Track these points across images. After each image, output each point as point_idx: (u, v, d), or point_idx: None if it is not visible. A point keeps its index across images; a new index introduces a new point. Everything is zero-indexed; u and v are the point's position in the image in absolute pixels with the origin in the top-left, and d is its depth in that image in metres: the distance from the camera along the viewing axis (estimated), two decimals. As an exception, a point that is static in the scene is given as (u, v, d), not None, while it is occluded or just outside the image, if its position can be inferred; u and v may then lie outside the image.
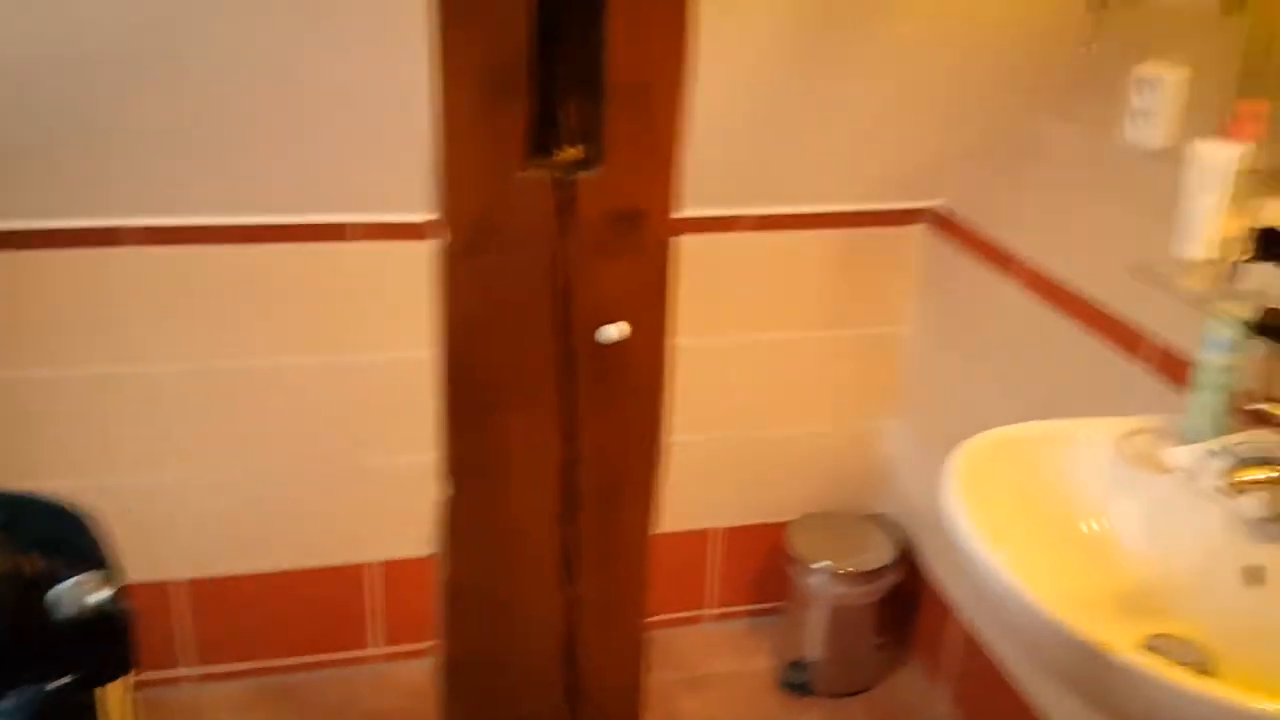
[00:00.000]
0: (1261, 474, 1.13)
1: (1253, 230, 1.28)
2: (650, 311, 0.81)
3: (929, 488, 2.22)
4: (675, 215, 0.80)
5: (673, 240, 0.81)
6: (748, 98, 1.83)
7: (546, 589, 0.90)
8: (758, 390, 2.31)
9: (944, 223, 2.16)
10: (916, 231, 2.23)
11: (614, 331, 0.82)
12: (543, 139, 0.75)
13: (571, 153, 0.76)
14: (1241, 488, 1.14)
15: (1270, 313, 1.19)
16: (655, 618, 2.46)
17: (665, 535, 2.39)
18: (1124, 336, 1.64)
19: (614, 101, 0.75)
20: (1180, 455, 1.32)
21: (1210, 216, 1.28)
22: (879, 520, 2.42)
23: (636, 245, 0.79)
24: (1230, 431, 1.33)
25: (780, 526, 2.37)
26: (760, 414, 2.34)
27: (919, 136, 2.00)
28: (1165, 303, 1.53)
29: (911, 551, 2.32)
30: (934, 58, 1.79)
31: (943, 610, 2.23)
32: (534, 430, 0.85)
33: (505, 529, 0.87)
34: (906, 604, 2.34)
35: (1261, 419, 1.33)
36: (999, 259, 1.97)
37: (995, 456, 1.39)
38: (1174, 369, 1.53)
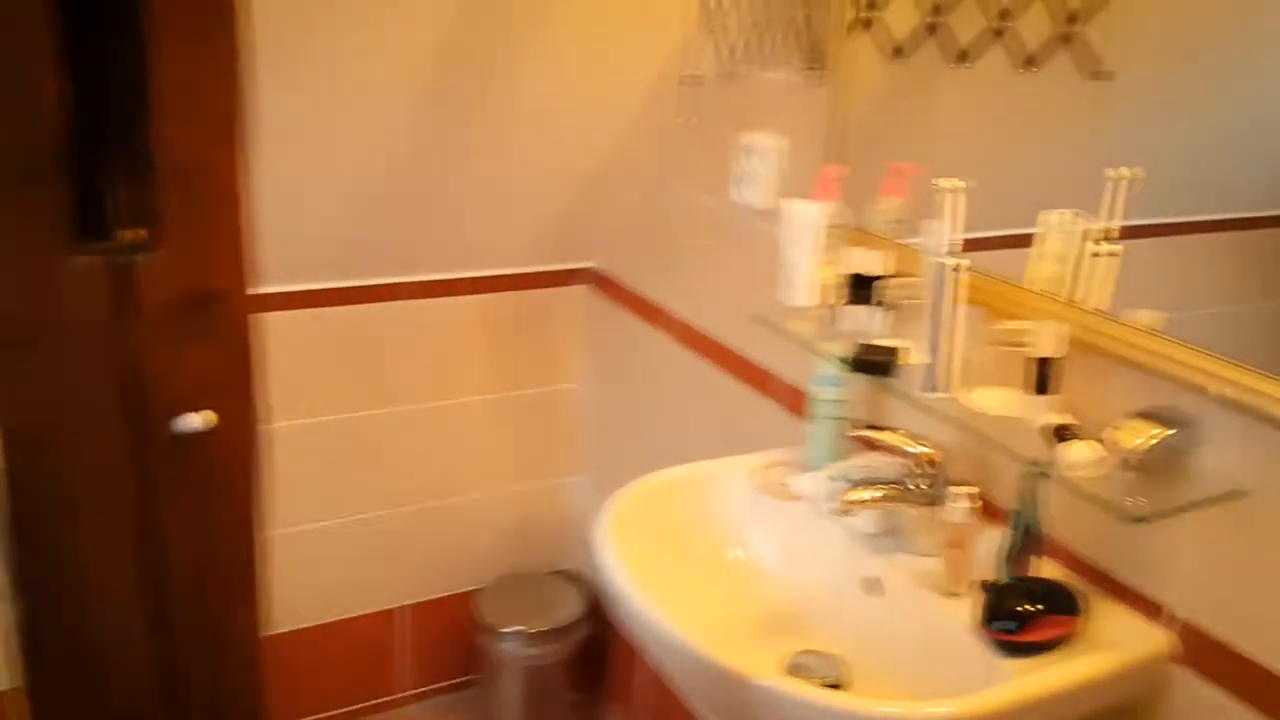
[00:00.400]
0: (866, 494, 1.25)
1: (845, 277, 1.43)
2: (235, 396, 0.78)
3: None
4: (257, 292, 0.79)
5: (255, 319, 0.79)
6: (402, 168, 1.84)
7: (148, 712, 0.83)
8: (435, 459, 2.29)
9: (602, 282, 2.25)
10: (578, 291, 2.31)
11: (195, 421, 0.78)
12: (95, 223, 0.71)
13: (130, 235, 0.73)
14: (851, 508, 1.26)
15: (862, 349, 1.32)
16: (343, 709, 2.38)
17: (346, 621, 2.32)
18: (758, 378, 1.77)
19: (171, 182, 0.73)
20: (803, 483, 1.43)
21: (807, 267, 1.41)
22: (569, 576, 2.45)
23: (214, 328, 0.76)
24: (844, 457, 1.47)
25: (471, 595, 2.35)
26: (440, 483, 2.31)
27: (568, 202, 2.08)
28: (785, 346, 1.67)
29: (600, 603, 2.37)
30: (564, 127, 1.87)
31: (632, 657, 2.29)
32: (111, 538, 0.79)
33: (90, 652, 0.80)
34: (599, 656, 2.38)
35: (869, 444, 1.47)
36: (652, 314, 2.08)
37: (646, 502, 1.45)
38: (799, 404, 1.67)
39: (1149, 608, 1.14)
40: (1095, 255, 1.25)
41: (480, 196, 1.98)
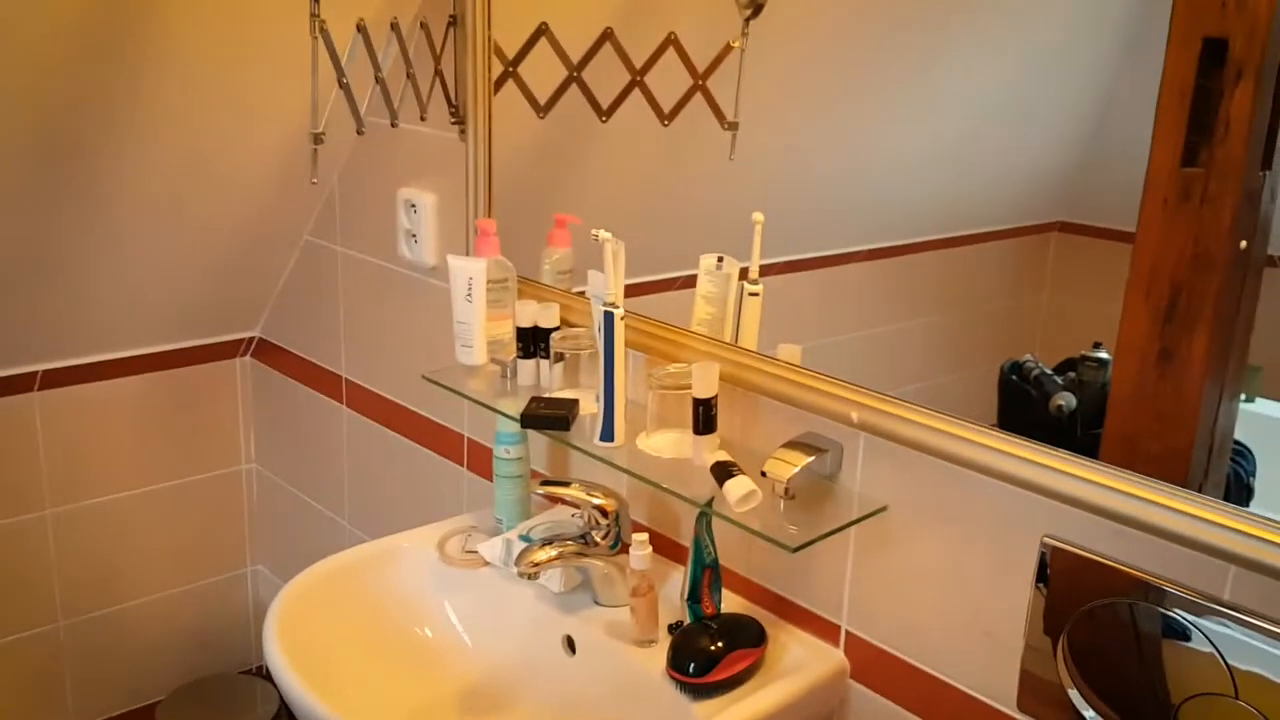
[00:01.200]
0: (543, 555, 1.23)
1: (517, 331, 1.41)
2: None
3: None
4: None
5: None
6: (19, 250, 1.64)
7: None
8: (98, 563, 2.05)
9: (267, 351, 2.11)
10: (241, 364, 2.16)
11: None
12: None
13: None
14: (534, 570, 1.23)
15: (536, 404, 1.31)
16: None
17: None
18: (444, 441, 1.71)
19: None
20: (488, 549, 1.39)
21: (476, 323, 1.38)
22: (259, 675, 2.27)
23: None
24: (532, 515, 1.44)
25: (152, 708, 2.11)
26: (107, 588, 2.07)
27: (216, 271, 1.93)
28: (469, 406, 1.63)
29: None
30: (195, 194, 1.74)
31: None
32: None
33: None
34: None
35: (552, 499, 1.46)
36: (324, 381, 1.97)
37: (321, 590, 1.35)
38: (489, 466, 1.63)
39: (823, 627, 1.19)
40: (749, 295, 1.31)
41: (114, 275, 1.80)
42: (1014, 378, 1.11)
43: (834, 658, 1.18)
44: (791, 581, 1.22)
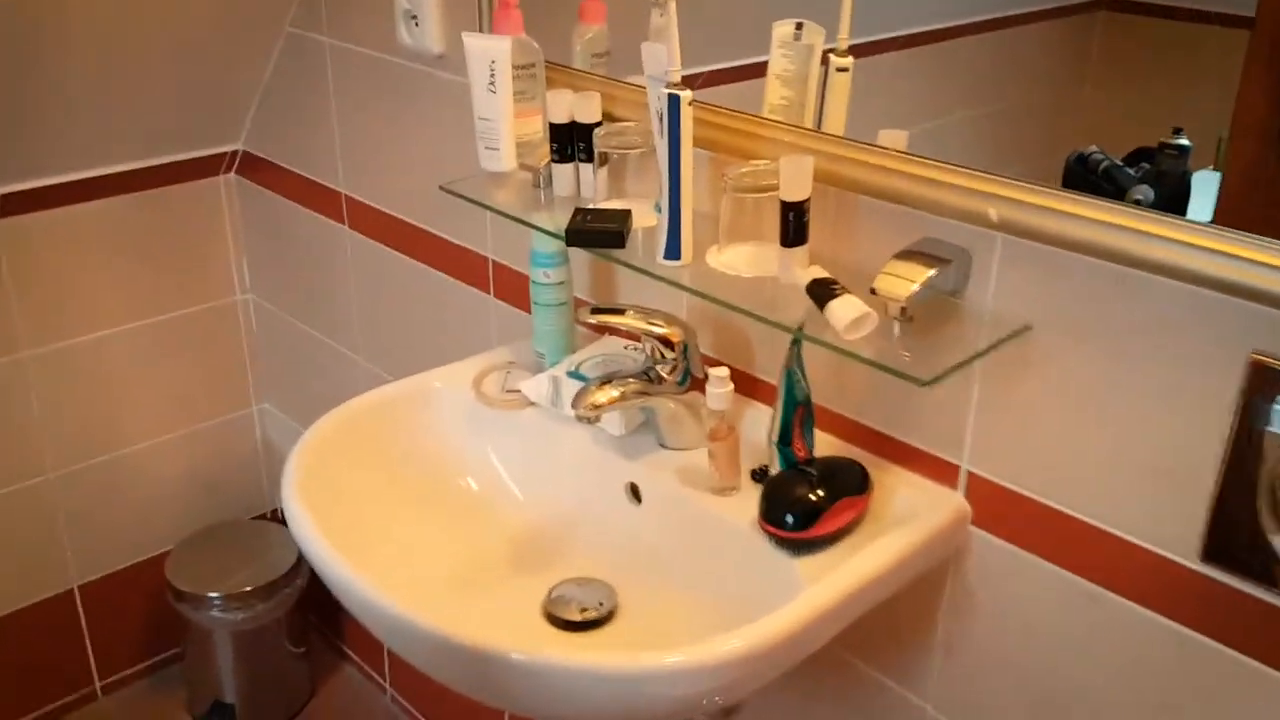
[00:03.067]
0: (606, 394, 1.04)
1: (552, 129, 1.17)
2: None
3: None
4: None
5: None
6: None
7: None
8: (88, 408, 1.87)
9: (254, 166, 1.87)
10: (225, 182, 1.91)
11: None
12: None
13: None
14: (594, 413, 1.04)
15: (582, 217, 1.09)
16: (29, 717, 1.98)
17: (18, 614, 1.90)
18: (467, 266, 1.50)
19: None
20: (533, 387, 1.20)
21: (503, 119, 1.14)
22: (274, 519, 2.13)
23: None
24: (577, 348, 1.25)
25: (162, 559, 1.98)
26: (100, 435, 1.90)
27: (190, 75, 1.67)
28: (494, 223, 1.40)
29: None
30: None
31: (365, 592, 2.02)
32: None
33: None
34: (324, 602, 2.10)
35: (605, 328, 1.26)
36: (322, 200, 1.74)
37: (344, 437, 1.17)
38: (520, 293, 1.42)
39: (939, 468, 1.01)
40: (837, 70, 1.07)
41: (72, 81, 1.54)
42: (1081, 170, 0.91)
43: (952, 501, 1.00)
44: (898, 417, 1.03)
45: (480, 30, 1.29)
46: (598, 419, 1.05)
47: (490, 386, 1.24)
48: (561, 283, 1.22)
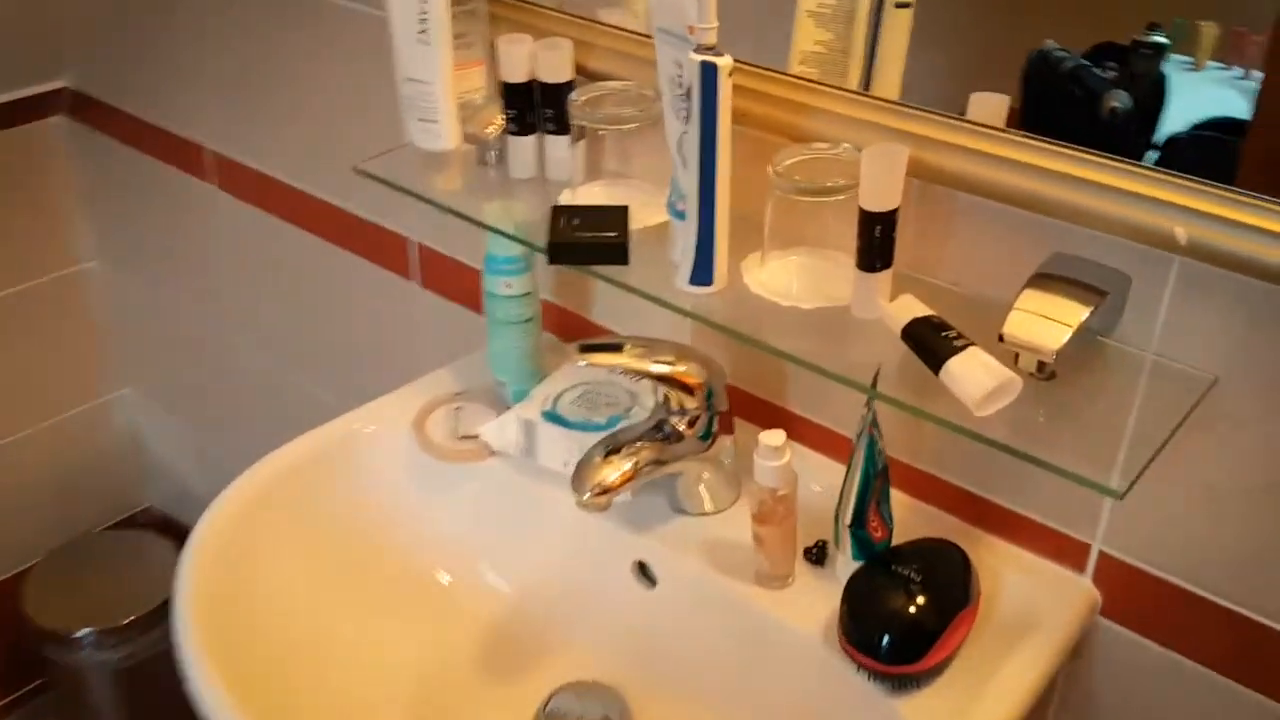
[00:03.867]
0: (614, 473, 0.76)
1: (499, 88, 0.86)
2: None
3: (199, 458, 1.66)
4: None
5: None
6: None
7: None
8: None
9: (90, 109, 1.48)
10: (53, 127, 1.52)
11: None
12: None
13: None
14: (603, 501, 0.77)
15: (559, 219, 0.79)
16: None
17: None
18: (382, 247, 1.18)
19: None
20: (497, 433, 0.92)
21: (439, 81, 0.83)
22: (147, 521, 1.81)
23: None
24: (546, 371, 0.96)
25: (15, 584, 1.64)
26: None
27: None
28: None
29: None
30: None
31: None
32: None
33: None
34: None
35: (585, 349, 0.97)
36: (183, 155, 1.37)
37: (256, 521, 0.87)
38: (456, 282, 1.12)
39: (1059, 544, 0.78)
40: (896, 5, 0.78)
41: None
42: (1045, 72, 0.72)
43: (1080, 589, 0.77)
44: (1000, 478, 0.79)
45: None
46: (608, 506, 0.78)
47: (438, 430, 0.95)
48: (527, 294, 0.93)
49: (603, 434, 0.85)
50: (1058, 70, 0.75)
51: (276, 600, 0.85)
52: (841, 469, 0.76)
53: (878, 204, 0.68)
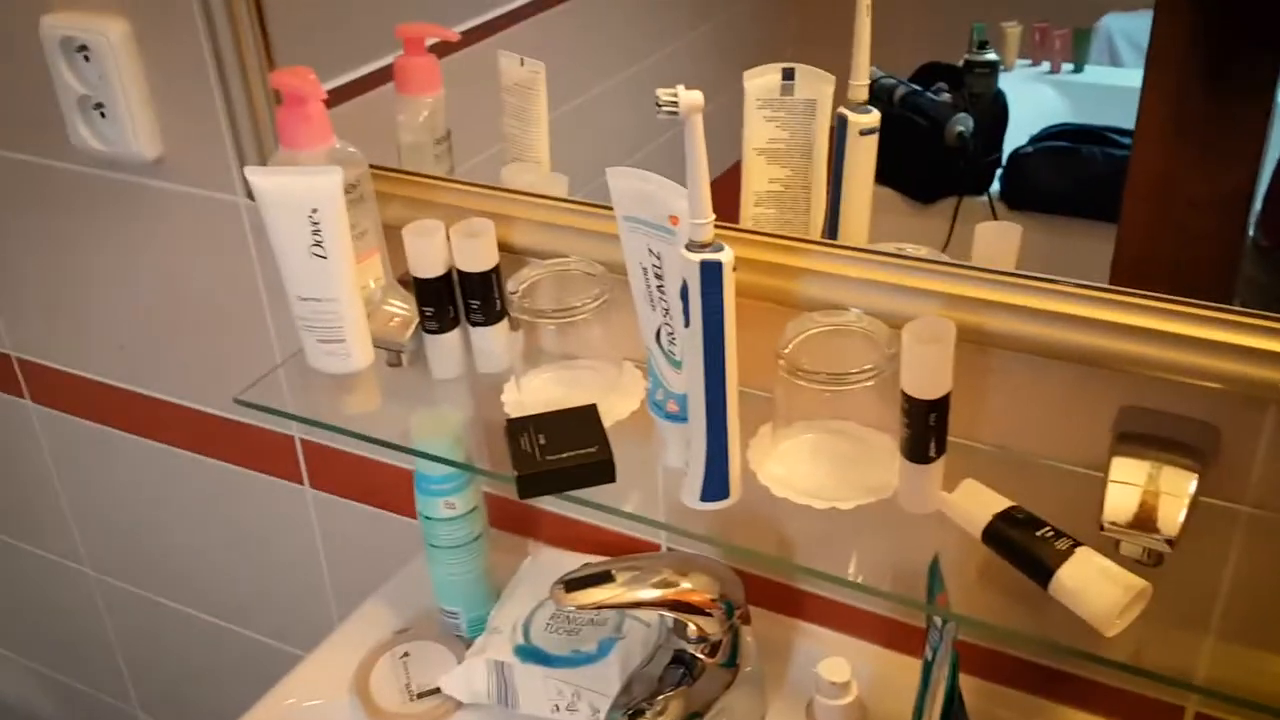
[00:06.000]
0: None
1: (403, 277, 0.71)
2: None
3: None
4: None
5: None
6: None
7: None
8: None
9: None
10: None
11: None
12: None
13: None
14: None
15: (519, 437, 0.64)
16: None
17: None
18: (257, 449, 0.99)
19: None
20: (462, 681, 0.75)
21: (346, 297, 0.66)
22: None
23: None
24: (500, 586, 0.81)
25: None
26: None
27: None
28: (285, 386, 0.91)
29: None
30: None
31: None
32: None
33: None
34: None
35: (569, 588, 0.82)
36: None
37: None
38: (349, 478, 0.95)
39: (1146, 712, 0.69)
40: (860, 134, 0.68)
41: None
42: (877, 102, 0.67)
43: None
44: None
45: (239, 137, 0.77)
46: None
47: (385, 689, 0.78)
48: (472, 509, 0.77)
49: (596, 667, 0.71)
50: (892, 99, 0.71)
51: None
52: (862, 645, 0.65)
53: (929, 391, 0.57)
